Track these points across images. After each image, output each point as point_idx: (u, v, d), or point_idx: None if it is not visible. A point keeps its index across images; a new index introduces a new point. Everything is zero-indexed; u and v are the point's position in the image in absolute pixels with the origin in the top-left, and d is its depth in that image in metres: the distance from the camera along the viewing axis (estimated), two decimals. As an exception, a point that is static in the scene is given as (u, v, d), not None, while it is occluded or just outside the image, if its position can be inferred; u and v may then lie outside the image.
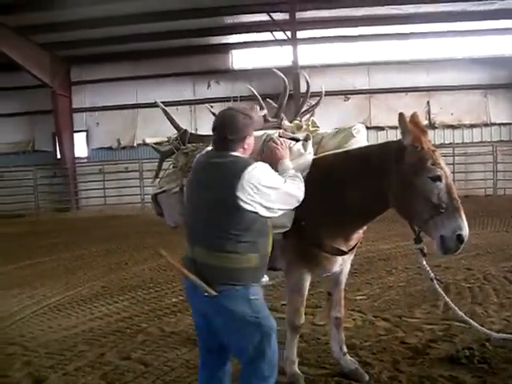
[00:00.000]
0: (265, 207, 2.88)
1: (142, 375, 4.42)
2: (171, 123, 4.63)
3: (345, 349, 4.22)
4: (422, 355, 4.47)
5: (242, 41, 19.06)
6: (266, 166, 3.00)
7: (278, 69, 4.59)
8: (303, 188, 3.13)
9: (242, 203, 2.81)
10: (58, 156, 20.34)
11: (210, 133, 3.11)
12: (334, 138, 4.10)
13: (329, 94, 17.41)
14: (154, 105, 5.04)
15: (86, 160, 20.78)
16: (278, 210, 3.00)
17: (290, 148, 3.67)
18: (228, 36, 18.76)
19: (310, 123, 4.33)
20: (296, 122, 4.40)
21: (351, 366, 4.14)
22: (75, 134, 20.52)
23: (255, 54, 19.20)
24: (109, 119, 20.21)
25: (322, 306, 4.58)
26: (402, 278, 7.29)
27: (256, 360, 2.95)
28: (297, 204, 3.11)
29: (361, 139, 4.04)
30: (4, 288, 7.76)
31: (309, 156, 3.75)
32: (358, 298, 6.36)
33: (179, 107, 18.59)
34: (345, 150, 3.84)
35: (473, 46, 18.24)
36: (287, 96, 4.25)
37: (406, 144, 3.31)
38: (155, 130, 17.29)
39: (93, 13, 15.92)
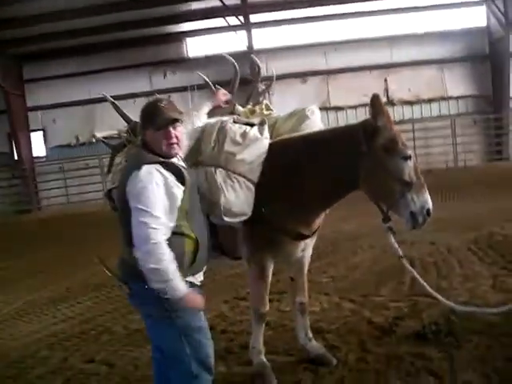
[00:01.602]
0: None
1: (107, 376, 4.33)
2: (121, 116, 4.49)
3: (310, 334, 4.18)
4: (389, 334, 4.47)
5: (195, 28, 18.71)
6: (150, 176, 2.64)
7: (234, 54, 4.48)
8: (154, 254, 2.57)
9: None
10: (16, 157, 19.74)
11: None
12: (287, 120, 4.03)
13: (286, 76, 17.52)
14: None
15: (44, 159, 20.22)
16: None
17: (245, 133, 3.58)
18: (181, 24, 18.39)
19: (263, 107, 4.23)
20: (249, 106, 4.29)
21: (318, 351, 4.10)
22: (32, 134, 19.93)
23: (210, 40, 18.85)
24: (65, 116, 19.62)
25: (288, 291, 4.52)
26: (367, 257, 7.30)
27: (178, 358, 2.83)
28: (142, 246, 2.60)
29: (315, 120, 3.99)
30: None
31: (265, 141, 3.65)
32: (324, 280, 6.35)
33: (137, 99, 18.26)
34: (306, 133, 3.78)
35: (426, 20, 18.24)
36: (238, 81, 4.16)
37: (379, 125, 3.29)
38: (113, 124, 16.89)
39: (41, 8, 15.46)
